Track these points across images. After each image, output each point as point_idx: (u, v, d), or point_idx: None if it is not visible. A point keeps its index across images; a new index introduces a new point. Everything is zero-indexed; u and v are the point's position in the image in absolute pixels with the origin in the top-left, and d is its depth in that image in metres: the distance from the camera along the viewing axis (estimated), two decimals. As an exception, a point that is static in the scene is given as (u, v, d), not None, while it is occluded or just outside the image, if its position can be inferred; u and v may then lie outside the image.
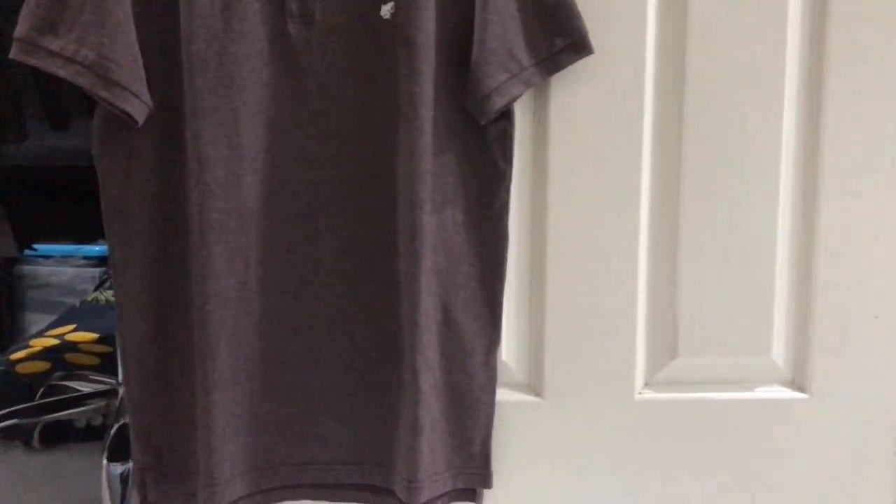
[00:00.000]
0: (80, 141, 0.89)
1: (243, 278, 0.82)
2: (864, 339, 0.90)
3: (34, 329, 1.82)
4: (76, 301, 1.77)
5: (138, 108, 0.77)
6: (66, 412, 1.32)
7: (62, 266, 1.90)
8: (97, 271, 1.93)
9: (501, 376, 0.87)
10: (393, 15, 0.80)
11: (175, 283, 0.83)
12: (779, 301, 0.89)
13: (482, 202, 0.84)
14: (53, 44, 0.76)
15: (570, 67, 0.83)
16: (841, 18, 0.85)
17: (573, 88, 0.85)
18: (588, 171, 0.86)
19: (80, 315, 1.62)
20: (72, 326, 1.51)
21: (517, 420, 0.89)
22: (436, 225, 0.83)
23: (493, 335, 0.86)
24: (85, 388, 1.39)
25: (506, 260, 0.85)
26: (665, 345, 0.90)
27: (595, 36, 0.82)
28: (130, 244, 0.82)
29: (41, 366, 1.42)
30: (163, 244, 0.82)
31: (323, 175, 0.82)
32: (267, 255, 0.83)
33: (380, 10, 0.80)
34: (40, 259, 1.82)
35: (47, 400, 1.34)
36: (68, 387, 1.38)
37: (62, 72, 0.76)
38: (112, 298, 1.77)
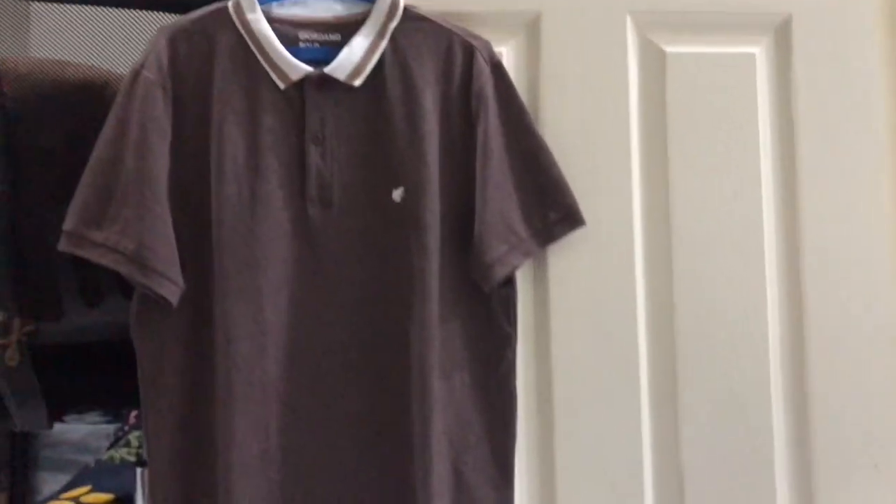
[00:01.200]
0: (113, 317, 0.96)
1: (265, 446, 0.86)
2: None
3: (47, 489, 1.81)
4: (90, 459, 1.78)
5: (173, 291, 0.84)
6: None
7: (76, 423, 1.92)
8: (111, 428, 1.95)
9: (514, 535, 0.89)
10: (403, 199, 0.88)
11: (202, 449, 0.87)
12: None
13: (489, 364, 0.90)
14: (98, 236, 0.84)
15: (565, 237, 0.91)
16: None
17: (569, 255, 0.93)
18: (587, 330, 0.92)
19: (95, 475, 1.63)
20: (87, 488, 1.52)
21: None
22: (446, 389, 0.88)
23: (505, 495, 0.89)
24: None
25: (515, 419, 0.90)
26: (672, 501, 0.92)
27: (586, 208, 0.91)
28: (162, 417, 0.87)
29: (58, 532, 1.42)
30: (192, 415, 0.87)
31: (339, 344, 0.88)
32: (287, 423, 0.87)
33: (391, 194, 0.89)
34: (54, 416, 1.85)
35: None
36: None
37: (104, 260, 0.83)
38: (127, 457, 1.80)
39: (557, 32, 0.94)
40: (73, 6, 0.91)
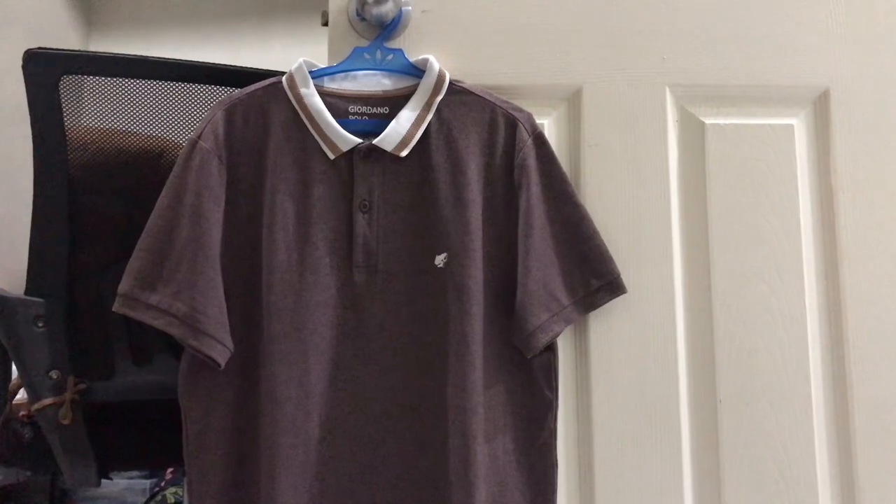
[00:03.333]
0: (161, 377, 0.99)
1: None
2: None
3: (84, 547, 1.83)
4: (127, 514, 1.79)
5: (222, 353, 0.87)
6: None
7: (115, 477, 1.94)
8: (147, 483, 1.97)
9: None
10: (446, 263, 0.90)
11: None
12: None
13: (531, 431, 0.90)
14: (152, 298, 0.87)
15: (606, 304, 0.92)
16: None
17: (610, 321, 0.94)
18: (629, 397, 0.93)
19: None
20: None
21: None
22: (488, 455, 0.88)
23: (547, 565, 0.88)
24: None
25: (556, 486, 0.89)
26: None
27: (627, 276, 0.92)
28: (206, 476, 0.88)
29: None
30: (235, 475, 0.88)
31: (381, 407, 0.90)
32: (329, 487, 0.88)
33: (434, 259, 0.91)
34: (92, 472, 1.87)
35: None
36: None
37: (157, 322, 0.86)
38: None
39: (598, 105, 0.97)
40: (130, 80, 0.96)
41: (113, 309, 0.88)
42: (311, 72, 0.93)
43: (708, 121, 0.97)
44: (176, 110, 1.01)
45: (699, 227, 0.95)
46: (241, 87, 0.95)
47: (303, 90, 0.92)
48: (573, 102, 0.98)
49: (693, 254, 0.95)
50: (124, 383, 0.97)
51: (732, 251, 0.95)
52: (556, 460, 0.90)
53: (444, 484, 0.87)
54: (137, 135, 1.03)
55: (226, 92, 1.00)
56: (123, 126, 1.02)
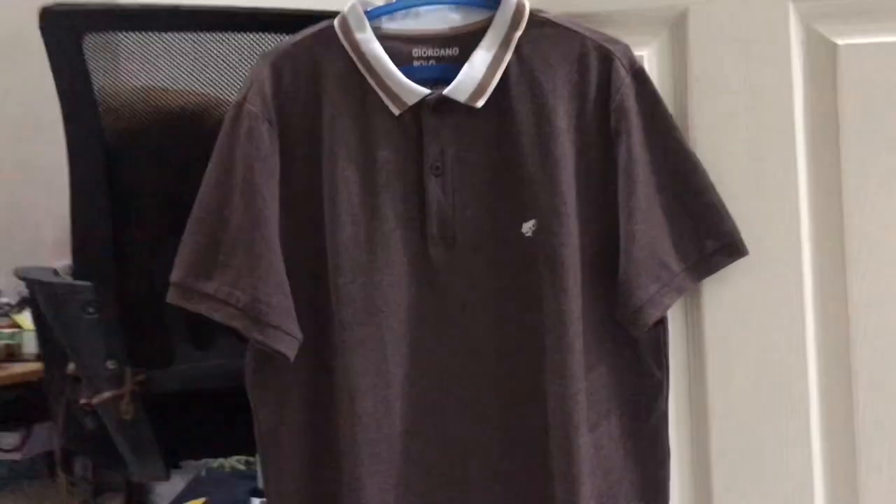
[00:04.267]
0: (224, 360, 0.91)
1: None
2: None
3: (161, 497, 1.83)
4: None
5: (290, 345, 0.78)
6: None
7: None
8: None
9: None
10: (534, 232, 0.78)
11: None
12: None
13: (639, 416, 0.80)
14: (208, 286, 0.78)
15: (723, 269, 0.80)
16: None
17: (726, 287, 0.81)
18: (750, 374, 0.80)
19: (205, 485, 1.63)
20: (201, 501, 1.52)
21: None
22: (592, 445, 0.78)
23: (661, 565, 0.79)
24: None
25: (668, 476, 0.80)
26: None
27: (748, 233, 0.79)
28: (283, 475, 0.81)
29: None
30: (314, 474, 0.81)
31: (469, 396, 0.80)
32: (416, 482, 0.80)
33: (520, 227, 0.79)
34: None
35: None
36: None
37: (217, 315, 0.77)
38: (237, 465, 1.80)
39: (708, 29, 0.81)
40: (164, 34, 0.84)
41: (167, 300, 0.79)
42: (367, 11, 0.79)
43: (841, 41, 0.80)
44: (219, 63, 0.89)
45: (831, 173, 0.80)
46: (290, 34, 0.83)
47: (358, 35, 0.78)
48: (677, 28, 0.82)
49: (824, 204, 0.80)
50: (186, 370, 0.90)
51: (871, 199, 0.79)
52: (668, 446, 0.80)
53: (545, 479, 0.78)
54: (176, 92, 0.92)
55: (272, 40, 0.87)
56: (160, 83, 0.91)
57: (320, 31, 0.80)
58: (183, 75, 0.89)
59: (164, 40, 0.85)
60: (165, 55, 0.86)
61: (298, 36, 0.81)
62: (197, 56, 0.87)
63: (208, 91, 0.90)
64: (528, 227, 0.79)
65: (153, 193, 0.89)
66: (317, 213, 0.80)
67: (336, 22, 0.80)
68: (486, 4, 0.80)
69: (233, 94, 0.92)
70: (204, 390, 0.90)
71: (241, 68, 0.88)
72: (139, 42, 0.85)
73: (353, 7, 0.79)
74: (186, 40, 0.85)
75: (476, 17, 0.81)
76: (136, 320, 0.89)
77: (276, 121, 0.79)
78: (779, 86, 0.81)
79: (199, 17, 0.84)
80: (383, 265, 0.79)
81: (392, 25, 0.81)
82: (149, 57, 0.87)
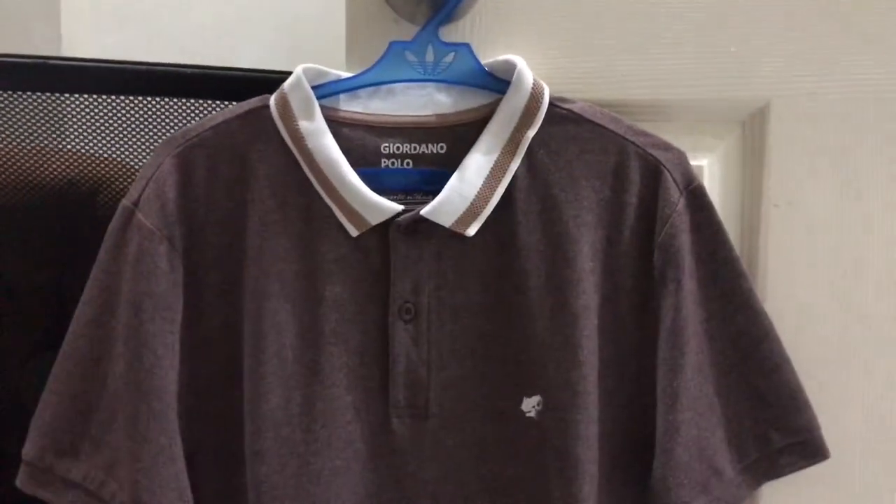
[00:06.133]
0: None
1: None
2: None
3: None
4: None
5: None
6: None
7: None
8: None
9: None
10: (539, 413, 0.56)
11: None
12: None
13: None
14: (74, 469, 0.55)
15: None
16: None
17: (796, 494, 0.60)
18: None
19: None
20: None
21: None
22: None
23: None
24: None
25: None
26: None
27: (833, 426, 0.57)
28: None
29: None
30: None
31: None
32: None
33: (520, 403, 0.57)
34: None
35: None
36: None
37: (83, 512, 0.55)
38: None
39: (795, 131, 0.59)
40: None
41: (17, 484, 0.56)
42: (316, 87, 0.56)
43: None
44: (122, 122, 0.65)
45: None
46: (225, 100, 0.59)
47: (303, 124, 0.55)
48: (752, 128, 0.60)
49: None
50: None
51: None
52: None
53: None
54: (60, 154, 0.68)
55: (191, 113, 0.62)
56: (39, 143, 0.67)
57: (250, 110, 0.56)
58: (72, 133, 0.65)
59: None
60: (50, 113, 0.62)
61: (219, 117, 0.56)
62: (93, 115, 0.63)
63: (107, 153, 0.66)
64: (530, 405, 0.57)
65: (23, 292, 0.66)
66: (234, 371, 0.57)
67: (273, 101, 0.56)
68: (490, 85, 0.56)
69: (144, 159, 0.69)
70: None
71: (158, 128, 0.64)
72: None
73: (297, 81, 0.55)
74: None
75: (473, 101, 0.57)
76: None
77: (179, 238, 0.55)
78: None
79: (95, 79, 0.60)
80: (325, 447, 0.56)
81: (353, 108, 0.57)
82: (27, 114, 0.62)
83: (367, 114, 0.57)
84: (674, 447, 0.55)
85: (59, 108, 0.63)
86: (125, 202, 0.55)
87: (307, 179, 0.55)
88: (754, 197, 0.59)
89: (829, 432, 0.57)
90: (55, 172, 0.67)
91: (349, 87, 0.56)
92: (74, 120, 0.64)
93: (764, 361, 0.57)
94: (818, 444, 0.57)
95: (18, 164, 0.66)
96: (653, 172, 0.56)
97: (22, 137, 0.64)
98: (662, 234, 0.56)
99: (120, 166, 0.70)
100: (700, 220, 0.57)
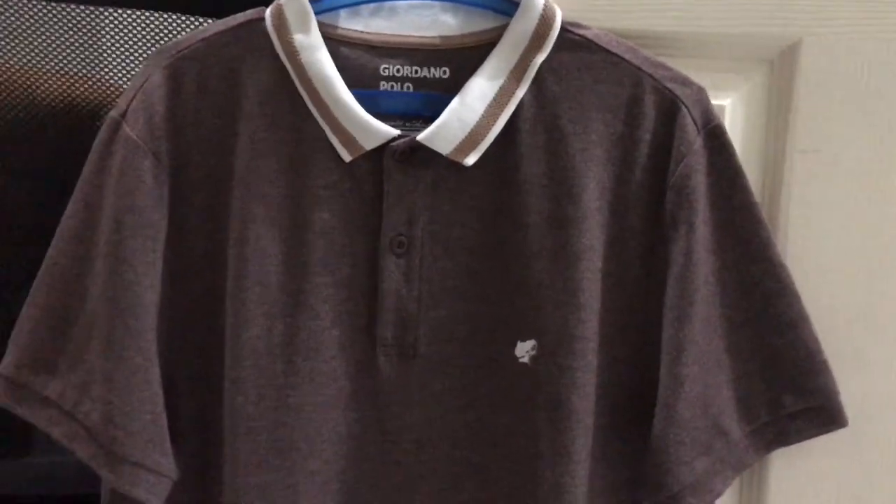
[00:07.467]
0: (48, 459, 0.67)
1: None
2: None
3: None
4: None
5: (155, 488, 0.53)
6: None
7: None
8: None
9: None
10: (533, 358, 0.53)
11: None
12: None
13: None
14: (51, 387, 0.53)
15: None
16: None
17: (804, 462, 0.56)
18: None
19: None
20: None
21: None
22: None
23: None
24: None
25: None
26: None
27: (854, 393, 0.53)
28: None
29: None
30: None
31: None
32: None
33: (513, 347, 0.54)
34: None
35: None
36: None
37: (56, 431, 0.53)
38: None
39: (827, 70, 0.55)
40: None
41: (-8, 398, 0.55)
42: (316, 1, 0.53)
43: None
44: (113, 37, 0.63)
45: None
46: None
47: (298, 37, 0.52)
48: (781, 68, 0.56)
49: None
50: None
51: None
52: None
53: None
54: (61, 75, 0.66)
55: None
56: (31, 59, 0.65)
57: (244, 23, 0.53)
58: (54, 49, 0.62)
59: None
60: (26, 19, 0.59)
61: (211, 28, 0.54)
62: (73, 23, 0.60)
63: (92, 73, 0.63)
64: (524, 350, 0.53)
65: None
66: (216, 296, 0.55)
67: (268, 13, 0.53)
68: (499, 7, 0.53)
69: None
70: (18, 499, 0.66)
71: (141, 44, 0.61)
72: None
73: (294, -9, 0.53)
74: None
75: (481, 24, 0.53)
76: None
77: (166, 154, 0.53)
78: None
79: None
80: (306, 381, 0.53)
81: (353, 25, 0.54)
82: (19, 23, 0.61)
83: (368, 32, 0.54)
84: (676, 402, 0.52)
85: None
86: (112, 114, 0.53)
87: (300, 98, 0.52)
88: (778, 142, 0.55)
89: (848, 398, 0.53)
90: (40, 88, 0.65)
91: (351, 1, 0.53)
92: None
93: (780, 317, 0.53)
94: (835, 411, 0.53)
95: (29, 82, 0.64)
96: (669, 108, 0.52)
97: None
98: (676, 175, 0.52)
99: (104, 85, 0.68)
100: (718, 162, 0.53)
